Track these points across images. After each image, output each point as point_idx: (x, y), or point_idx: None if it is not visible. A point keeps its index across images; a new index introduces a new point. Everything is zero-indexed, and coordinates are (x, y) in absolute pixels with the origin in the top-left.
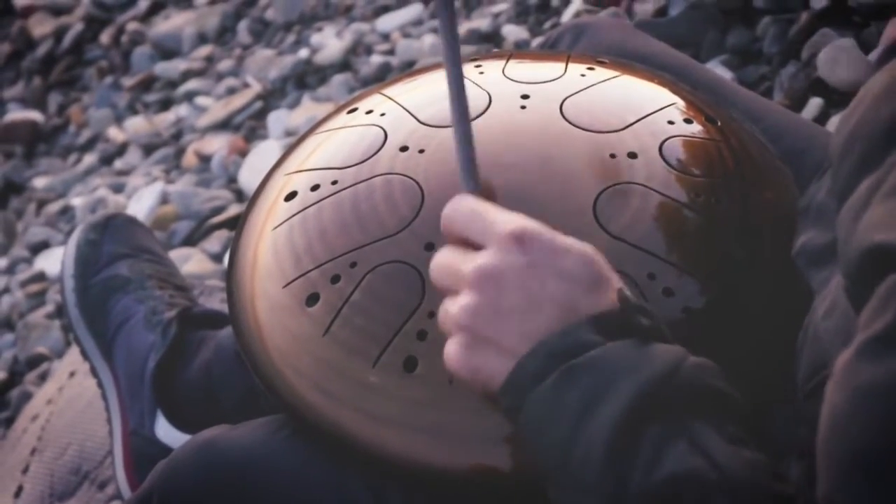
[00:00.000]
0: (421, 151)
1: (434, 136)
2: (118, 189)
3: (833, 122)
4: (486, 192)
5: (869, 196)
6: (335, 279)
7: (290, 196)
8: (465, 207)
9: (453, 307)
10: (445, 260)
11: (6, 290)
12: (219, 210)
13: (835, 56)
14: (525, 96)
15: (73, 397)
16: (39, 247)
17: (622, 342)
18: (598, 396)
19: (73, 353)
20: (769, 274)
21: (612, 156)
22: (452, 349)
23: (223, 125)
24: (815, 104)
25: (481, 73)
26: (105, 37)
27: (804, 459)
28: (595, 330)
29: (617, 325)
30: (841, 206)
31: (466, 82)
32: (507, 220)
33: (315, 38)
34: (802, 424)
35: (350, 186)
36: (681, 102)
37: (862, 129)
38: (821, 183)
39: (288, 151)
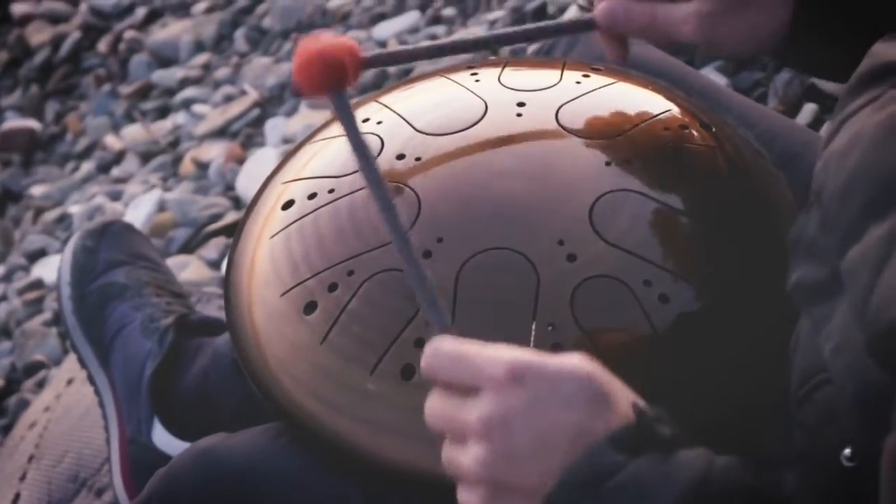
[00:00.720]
0: (418, 159)
1: (430, 144)
2: (116, 197)
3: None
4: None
5: (886, 248)
6: (333, 287)
7: (288, 204)
8: (445, 353)
9: (465, 459)
10: (441, 409)
11: (3, 298)
12: (216, 217)
13: None
14: (521, 104)
15: (70, 405)
16: (37, 254)
17: (647, 458)
18: None
19: (71, 360)
20: (763, 280)
21: (608, 163)
22: (476, 501)
23: (220, 133)
24: (809, 110)
25: (477, 80)
26: (102, 45)
27: (799, 464)
28: (616, 449)
29: (637, 440)
30: (844, 248)
31: (462, 91)
32: (496, 359)
33: None
34: (796, 429)
35: (347, 195)
36: (676, 109)
37: (863, 174)
38: (808, 217)
39: (285, 160)
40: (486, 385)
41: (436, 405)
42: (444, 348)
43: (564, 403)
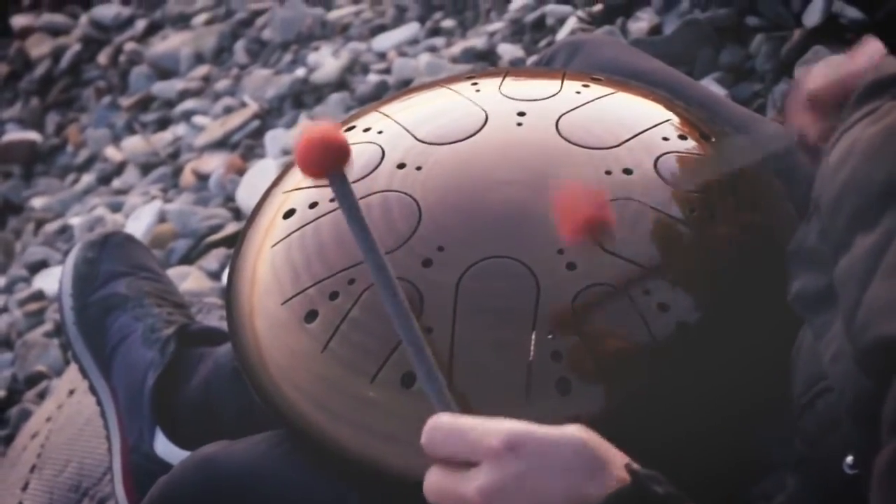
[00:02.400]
0: (418, 168)
1: (431, 154)
2: (116, 208)
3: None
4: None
5: (871, 261)
6: (333, 296)
7: (289, 213)
8: (442, 429)
9: None
10: (441, 484)
11: (5, 309)
12: (216, 228)
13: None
14: (521, 113)
15: (72, 415)
16: (38, 266)
17: None
18: None
19: (72, 371)
20: (763, 288)
21: (608, 172)
22: None
23: (220, 144)
24: None
25: (477, 90)
26: (103, 57)
27: (799, 471)
28: None
29: (633, 501)
30: (837, 257)
31: (463, 100)
32: (491, 432)
33: (312, 58)
34: (798, 436)
35: None
36: (675, 119)
37: (854, 185)
38: (808, 227)
39: (286, 169)
40: (484, 457)
41: (435, 480)
42: (440, 424)
43: (559, 470)
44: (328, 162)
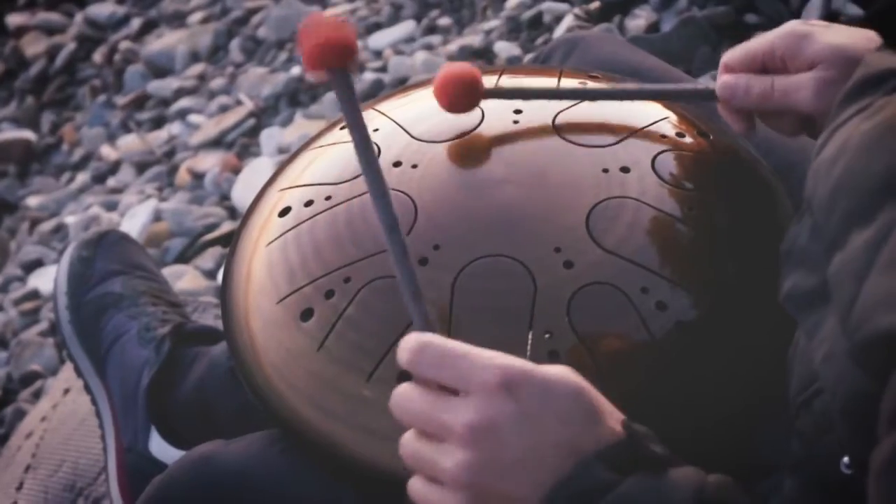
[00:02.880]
0: (414, 167)
1: (427, 152)
2: (111, 207)
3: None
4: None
5: (868, 255)
6: (329, 294)
7: (284, 212)
8: (432, 348)
9: (446, 462)
10: (417, 404)
11: (0, 309)
12: (212, 227)
13: None
14: (518, 111)
15: (67, 414)
16: (33, 265)
17: (639, 477)
18: None
19: (67, 370)
20: (761, 287)
21: (605, 170)
22: None
23: (216, 143)
24: None
25: None
26: (98, 56)
27: (797, 473)
28: (607, 466)
29: (628, 457)
30: (830, 255)
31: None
32: (486, 364)
33: None
34: (794, 438)
35: (344, 202)
36: (673, 116)
37: (849, 181)
38: (801, 226)
39: (282, 167)
40: (476, 389)
41: (410, 398)
42: (431, 343)
43: (556, 416)
44: (332, 56)
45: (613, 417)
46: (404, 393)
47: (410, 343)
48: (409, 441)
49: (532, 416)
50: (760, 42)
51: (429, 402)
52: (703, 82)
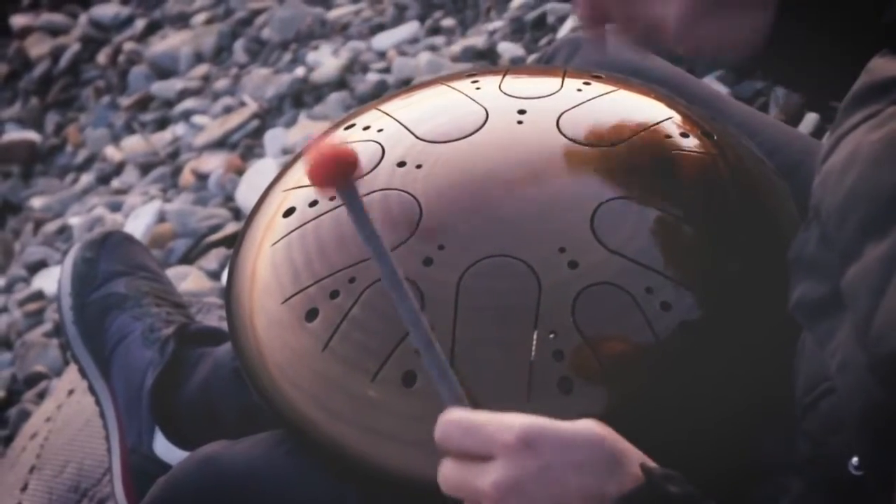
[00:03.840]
0: (418, 167)
1: (431, 152)
2: (115, 208)
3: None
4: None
5: (884, 269)
6: (334, 294)
7: (289, 212)
8: (456, 423)
9: None
10: (455, 477)
11: (4, 310)
12: (216, 228)
13: None
14: (522, 111)
15: (71, 415)
16: (37, 266)
17: None
18: None
19: (72, 371)
20: (765, 288)
21: (609, 170)
22: None
23: (220, 144)
24: (810, 120)
25: (478, 88)
26: (102, 57)
27: (804, 473)
28: None
29: (648, 500)
30: (844, 266)
31: (463, 98)
32: (507, 427)
33: (311, 57)
34: (801, 438)
35: None
36: (677, 117)
37: (862, 192)
38: (808, 234)
39: (286, 167)
40: (499, 452)
41: (449, 473)
42: (455, 418)
43: (577, 468)
44: (339, 174)
45: (636, 462)
46: (443, 469)
47: (439, 421)
48: None
49: (554, 469)
50: None
51: (462, 471)
52: (708, 82)
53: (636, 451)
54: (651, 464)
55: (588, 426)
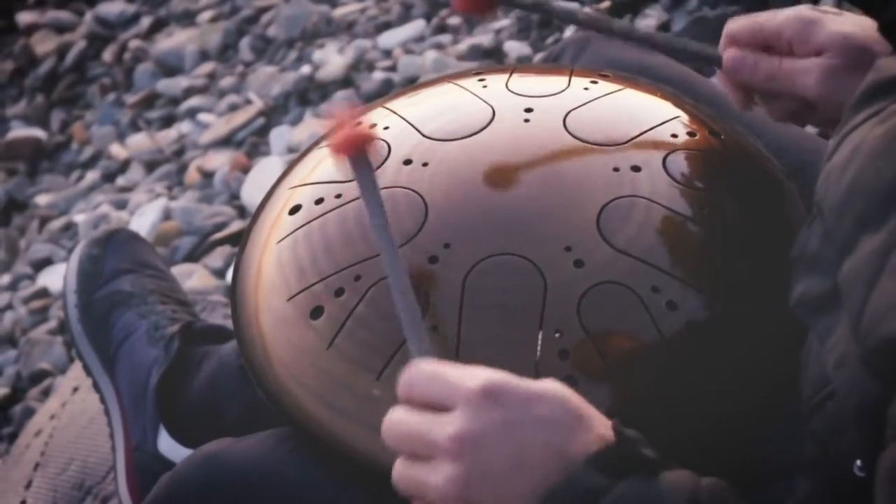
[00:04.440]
0: (425, 165)
1: (438, 150)
2: (121, 205)
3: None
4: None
5: (878, 260)
6: (339, 292)
7: (295, 209)
8: (422, 373)
9: (435, 477)
10: (406, 424)
11: (9, 307)
12: (221, 226)
13: None
14: (528, 109)
15: (76, 413)
16: (42, 263)
17: (632, 480)
18: None
19: (76, 368)
20: (772, 287)
21: (616, 169)
22: None
23: (225, 142)
24: None
25: (484, 86)
26: (108, 54)
27: (810, 474)
28: (598, 470)
29: (619, 461)
30: (841, 260)
31: (469, 96)
32: (471, 377)
33: (317, 55)
34: (807, 439)
35: (354, 200)
36: (684, 116)
37: (861, 186)
38: (811, 230)
39: (292, 165)
40: (461, 402)
41: (400, 420)
42: (421, 369)
43: (540, 423)
44: (358, 144)
45: (602, 423)
46: (394, 417)
47: (404, 372)
48: (400, 467)
49: (517, 423)
50: (768, 20)
51: (417, 421)
52: (715, 82)
53: (600, 415)
54: (621, 426)
55: (553, 385)
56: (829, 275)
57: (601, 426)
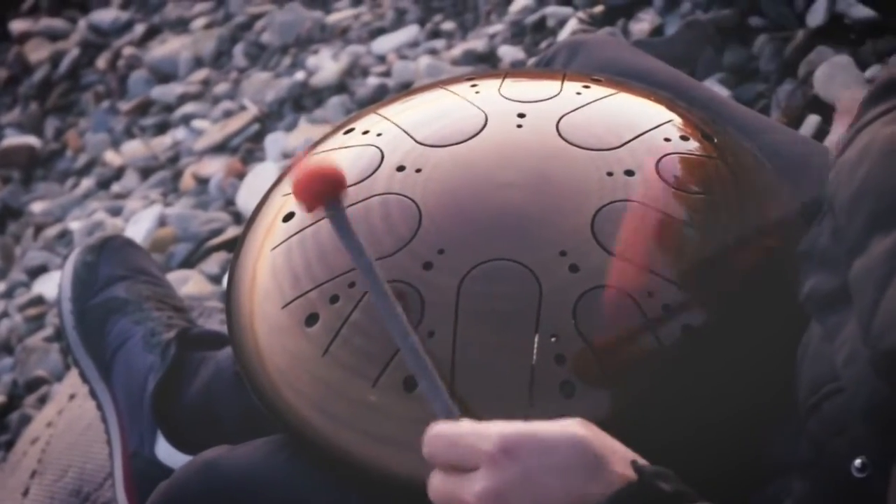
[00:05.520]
0: (418, 171)
1: (431, 156)
2: (116, 212)
3: (830, 140)
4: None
5: (889, 264)
6: (334, 299)
7: (289, 216)
8: (441, 437)
9: None
10: (441, 489)
11: (5, 314)
12: (217, 232)
13: (831, 73)
14: (521, 115)
15: (72, 420)
16: (37, 271)
17: None
18: None
19: (73, 375)
20: (766, 291)
21: (609, 173)
22: None
23: (220, 148)
24: (812, 122)
25: (477, 92)
26: (101, 62)
27: (807, 475)
28: None
29: (638, 498)
30: (851, 259)
31: (462, 102)
32: (486, 437)
33: (311, 61)
34: (804, 440)
35: (348, 206)
36: (677, 119)
37: (872, 186)
38: (821, 227)
39: (286, 172)
40: (481, 462)
41: (437, 486)
42: (439, 432)
43: (557, 471)
44: (325, 191)
45: (623, 461)
46: (431, 483)
47: (426, 437)
48: None
49: (534, 475)
50: None
51: (448, 484)
52: (708, 85)
53: (623, 450)
54: (642, 461)
55: (569, 427)
56: (839, 273)
57: (621, 464)
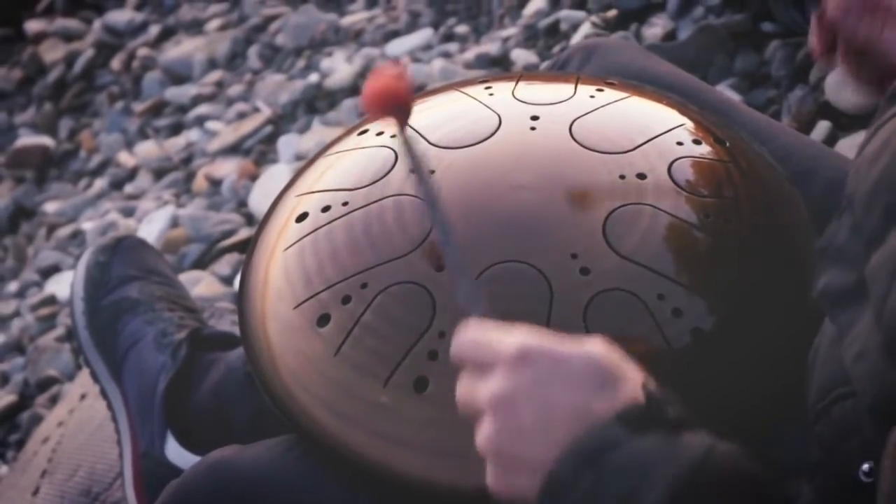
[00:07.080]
0: (431, 172)
1: (444, 158)
2: (129, 213)
3: (841, 146)
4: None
5: None
6: (346, 300)
7: (302, 217)
8: (467, 339)
9: (479, 435)
10: (462, 391)
11: (17, 314)
12: (229, 233)
13: (842, 80)
14: (535, 117)
15: (83, 420)
16: (50, 271)
17: (651, 436)
18: (634, 491)
19: (84, 375)
20: (777, 294)
21: (622, 177)
22: (489, 475)
23: (233, 149)
24: (823, 127)
25: (491, 94)
26: (116, 62)
27: (815, 479)
28: (621, 426)
29: (643, 418)
30: (869, 252)
31: (476, 104)
32: (508, 342)
33: (325, 63)
34: (813, 445)
35: (361, 207)
36: (689, 123)
37: (889, 179)
38: (840, 223)
39: (299, 173)
40: (499, 364)
41: (460, 388)
42: (466, 334)
43: (566, 383)
44: (393, 103)
45: (635, 384)
46: (459, 383)
47: (456, 338)
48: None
49: (544, 383)
50: None
51: (467, 385)
52: (720, 90)
53: (637, 373)
54: (652, 385)
55: (591, 344)
56: (856, 267)
57: (633, 386)
